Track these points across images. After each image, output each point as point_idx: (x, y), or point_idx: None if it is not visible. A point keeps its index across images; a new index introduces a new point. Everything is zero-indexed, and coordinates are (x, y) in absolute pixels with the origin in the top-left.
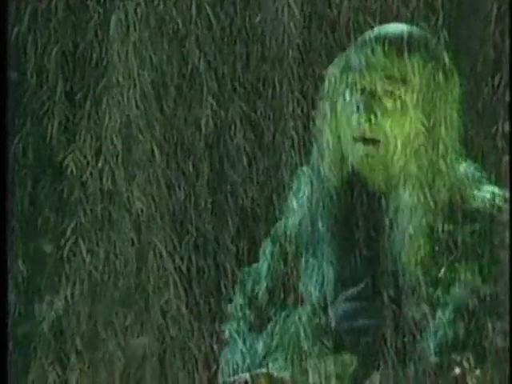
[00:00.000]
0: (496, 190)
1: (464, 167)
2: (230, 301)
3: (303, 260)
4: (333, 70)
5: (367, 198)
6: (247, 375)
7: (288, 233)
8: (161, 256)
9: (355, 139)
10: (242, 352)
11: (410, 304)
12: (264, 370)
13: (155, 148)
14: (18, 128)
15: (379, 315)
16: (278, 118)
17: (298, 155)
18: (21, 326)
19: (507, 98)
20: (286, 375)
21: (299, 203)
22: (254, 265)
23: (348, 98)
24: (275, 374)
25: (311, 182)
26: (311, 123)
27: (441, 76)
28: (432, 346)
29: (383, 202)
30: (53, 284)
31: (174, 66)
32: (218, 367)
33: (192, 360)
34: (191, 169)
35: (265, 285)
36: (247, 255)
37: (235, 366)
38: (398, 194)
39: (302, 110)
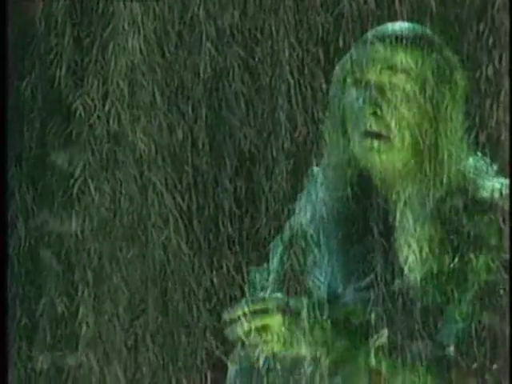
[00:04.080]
0: (505, 181)
1: (472, 160)
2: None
3: (311, 259)
4: (337, 71)
5: (375, 195)
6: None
7: (297, 233)
8: (162, 194)
9: (362, 134)
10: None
11: (422, 297)
12: (279, 295)
13: (157, 92)
14: (27, 72)
15: (390, 309)
16: (275, 63)
17: (293, 98)
18: (31, 260)
19: (490, 44)
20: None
21: (309, 203)
22: (264, 265)
23: (353, 95)
24: (291, 302)
25: (321, 182)
26: (306, 69)
27: (444, 69)
28: (447, 340)
29: (391, 196)
30: (61, 222)
31: (175, 14)
32: (217, 300)
33: (192, 294)
34: (191, 112)
35: (274, 285)
36: (244, 194)
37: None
38: (405, 187)
39: (298, 56)
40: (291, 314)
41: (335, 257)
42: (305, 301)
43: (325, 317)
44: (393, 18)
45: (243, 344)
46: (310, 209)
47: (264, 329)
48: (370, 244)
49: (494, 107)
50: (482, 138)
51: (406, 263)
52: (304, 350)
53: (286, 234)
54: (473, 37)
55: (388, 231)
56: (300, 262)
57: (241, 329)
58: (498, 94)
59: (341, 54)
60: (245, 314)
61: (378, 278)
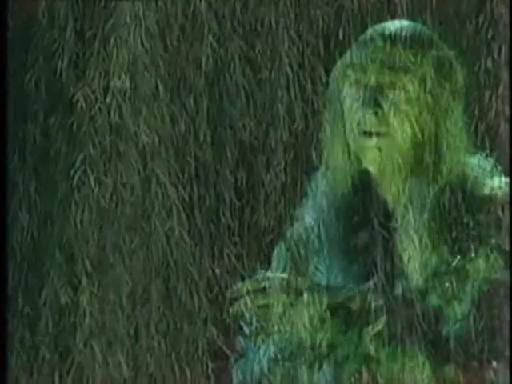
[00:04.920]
0: (507, 179)
1: (475, 159)
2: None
3: (313, 264)
4: (335, 72)
5: (376, 193)
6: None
7: (300, 238)
8: (164, 185)
9: (363, 134)
10: (254, 360)
11: (424, 296)
12: (284, 276)
13: (159, 84)
14: (31, 64)
15: (392, 311)
16: (275, 56)
17: (292, 90)
18: (34, 250)
19: (490, 36)
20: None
21: (312, 208)
22: (268, 271)
23: (353, 96)
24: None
25: (322, 186)
26: (306, 61)
27: (443, 66)
28: (447, 333)
29: (392, 193)
30: (64, 211)
31: (178, 7)
32: (219, 289)
33: (194, 283)
34: (193, 103)
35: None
36: (245, 185)
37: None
38: (406, 184)
39: (297, 49)
40: (293, 295)
41: (336, 254)
42: (307, 283)
43: (324, 299)
44: (392, 11)
45: (241, 327)
46: (313, 212)
47: (265, 308)
48: (373, 242)
49: (493, 99)
50: (481, 129)
51: (408, 260)
52: (302, 331)
53: (289, 240)
54: (472, 29)
55: (390, 229)
56: (303, 260)
57: (242, 307)
58: (497, 86)
59: (340, 47)
60: (247, 293)
61: (381, 276)
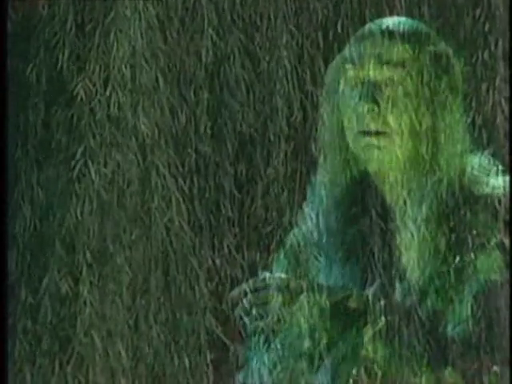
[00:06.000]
0: (507, 177)
1: (478, 158)
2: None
3: (313, 265)
4: (331, 70)
5: (375, 192)
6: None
7: (300, 240)
8: (164, 177)
9: (360, 133)
10: (259, 365)
11: (424, 298)
12: (283, 276)
13: (159, 76)
14: (32, 57)
15: (391, 312)
16: (274, 49)
17: (291, 83)
18: (36, 241)
19: (487, 29)
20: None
21: (312, 210)
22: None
23: (350, 92)
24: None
25: (321, 187)
26: (305, 54)
27: (441, 62)
28: (450, 341)
29: (391, 192)
30: (64, 202)
31: (178, 0)
32: (219, 279)
33: (194, 273)
34: (193, 96)
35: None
36: (245, 176)
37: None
38: (405, 183)
39: (297, 41)
40: (292, 294)
41: (336, 253)
42: (306, 282)
43: (323, 298)
44: (390, 4)
45: (244, 323)
46: (312, 214)
47: (264, 306)
48: (372, 240)
49: (490, 91)
50: (478, 121)
51: (407, 258)
52: (301, 330)
53: (289, 244)
54: (469, 22)
55: (389, 226)
56: (302, 262)
57: (245, 305)
58: (494, 79)
59: (339, 40)
60: (247, 292)
61: (381, 274)
